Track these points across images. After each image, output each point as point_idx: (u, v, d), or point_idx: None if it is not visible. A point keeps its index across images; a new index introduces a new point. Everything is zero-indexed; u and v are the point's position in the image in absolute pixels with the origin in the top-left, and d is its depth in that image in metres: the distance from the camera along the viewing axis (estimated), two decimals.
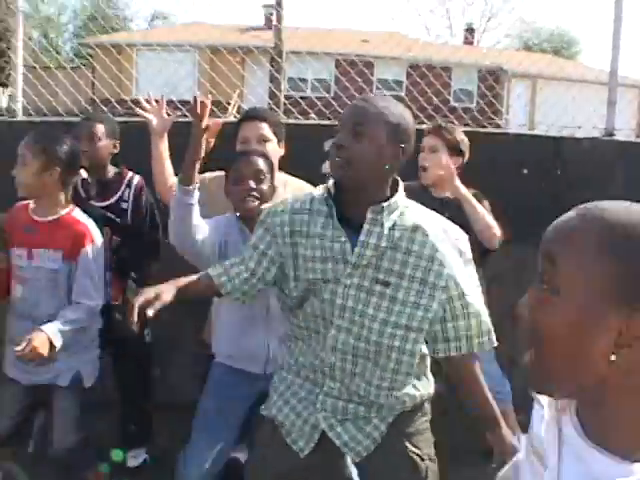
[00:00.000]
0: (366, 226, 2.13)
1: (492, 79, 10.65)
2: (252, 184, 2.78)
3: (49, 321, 2.81)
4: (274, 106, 5.63)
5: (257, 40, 19.48)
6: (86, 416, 3.08)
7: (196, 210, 2.67)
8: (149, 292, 2.16)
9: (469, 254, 2.34)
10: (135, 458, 3.72)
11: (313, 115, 5.19)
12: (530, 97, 21.49)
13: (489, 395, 2.28)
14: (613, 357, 0.96)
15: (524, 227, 3.16)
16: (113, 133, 3.56)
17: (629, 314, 0.95)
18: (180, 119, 3.41)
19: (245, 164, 2.81)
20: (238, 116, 3.44)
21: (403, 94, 15.61)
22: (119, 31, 23.31)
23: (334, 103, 5.10)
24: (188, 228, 2.66)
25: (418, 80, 7.38)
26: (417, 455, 2.29)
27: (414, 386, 2.29)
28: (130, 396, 3.72)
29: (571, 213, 1.06)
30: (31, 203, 3.02)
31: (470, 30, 31.70)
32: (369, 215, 2.13)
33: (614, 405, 1.00)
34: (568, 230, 1.03)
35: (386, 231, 2.13)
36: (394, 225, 2.15)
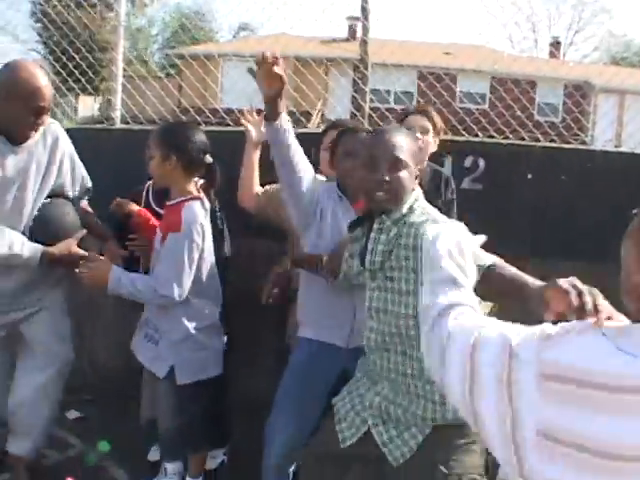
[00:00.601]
0: (372, 234, 2.43)
1: (579, 94, 10.41)
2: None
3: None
4: (360, 117, 5.66)
5: (341, 51, 19.66)
6: (186, 404, 3.12)
7: (293, 148, 2.73)
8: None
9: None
10: (214, 459, 3.69)
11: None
12: (617, 113, 20.97)
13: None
14: None
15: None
16: None
17: None
18: None
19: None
20: (322, 124, 3.53)
21: (487, 107, 15.45)
22: (206, 42, 23.85)
23: None
24: (289, 166, 2.76)
25: (503, 94, 7.31)
26: (443, 473, 2.30)
27: None
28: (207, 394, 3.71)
29: None
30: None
31: (556, 43, 31.19)
32: (375, 226, 2.42)
33: None
34: None
35: (391, 235, 2.38)
36: (397, 229, 2.38)
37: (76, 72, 6.41)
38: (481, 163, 3.83)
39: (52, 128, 3.19)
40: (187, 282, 2.97)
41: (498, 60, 18.59)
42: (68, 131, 3.31)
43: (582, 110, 7.44)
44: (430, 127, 3.51)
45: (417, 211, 2.39)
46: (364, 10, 10.38)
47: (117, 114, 4.95)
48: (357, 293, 2.85)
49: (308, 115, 3.21)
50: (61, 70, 6.73)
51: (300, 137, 2.83)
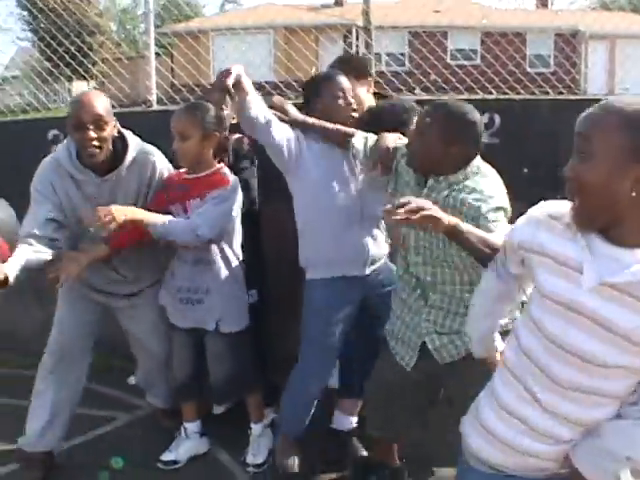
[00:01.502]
0: (425, 190, 2.51)
1: (569, 47, 10.33)
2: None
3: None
4: None
5: (326, 17, 19.50)
6: (235, 351, 3.29)
7: (258, 114, 2.85)
8: None
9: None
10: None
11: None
12: (609, 58, 20.83)
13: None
14: (633, 194, 1.52)
15: None
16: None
17: None
18: None
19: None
20: None
21: (478, 62, 15.38)
22: (192, 18, 23.65)
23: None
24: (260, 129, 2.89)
25: (493, 48, 7.29)
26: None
27: None
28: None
29: (598, 106, 1.58)
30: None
31: None
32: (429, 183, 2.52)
33: (629, 219, 1.55)
34: (598, 117, 1.56)
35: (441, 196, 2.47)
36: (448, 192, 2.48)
37: (67, 57, 6.43)
38: (497, 119, 3.90)
39: (141, 158, 3.15)
40: (222, 230, 3.12)
41: (487, 15, 18.47)
42: None
43: (572, 61, 7.43)
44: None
45: (471, 178, 2.47)
46: None
47: (153, 97, 4.97)
48: (365, 224, 3.01)
49: (301, 82, 3.23)
50: (52, 55, 6.75)
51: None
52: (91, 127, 2.91)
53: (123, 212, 2.88)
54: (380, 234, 3.12)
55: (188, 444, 3.41)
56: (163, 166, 3.23)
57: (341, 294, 3.05)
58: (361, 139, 2.86)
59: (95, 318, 3.36)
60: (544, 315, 1.69)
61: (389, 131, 2.83)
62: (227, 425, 3.47)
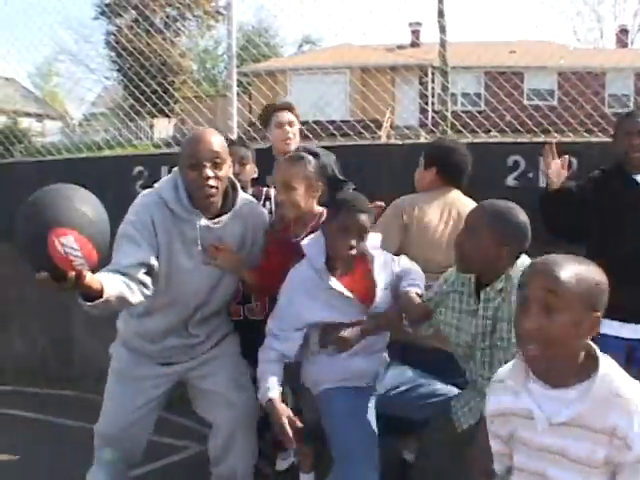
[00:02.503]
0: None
1: None
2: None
3: None
4: (432, 125, 5.68)
5: (405, 58, 19.60)
6: None
7: None
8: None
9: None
10: (284, 461, 3.69)
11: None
12: None
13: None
14: (587, 340, 1.76)
15: None
16: (254, 159, 3.72)
17: (594, 316, 1.74)
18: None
19: None
20: (395, 135, 3.62)
21: (555, 103, 15.19)
22: (270, 58, 24.12)
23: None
24: None
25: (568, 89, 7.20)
26: None
27: None
28: None
29: (554, 265, 1.73)
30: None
31: (623, 32, 30.23)
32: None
33: (567, 361, 1.77)
34: (560, 278, 1.71)
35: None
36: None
37: (151, 94, 6.67)
38: (574, 162, 3.87)
39: (248, 206, 2.98)
40: None
41: (564, 55, 18.22)
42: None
43: None
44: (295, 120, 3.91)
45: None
46: (441, 14, 9.86)
47: (234, 136, 5.08)
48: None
49: (378, 123, 3.27)
50: (136, 93, 7.03)
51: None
52: (208, 165, 2.69)
53: (230, 262, 2.86)
54: None
55: None
56: (267, 218, 3.13)
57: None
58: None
59: (155, 399, 2.99)
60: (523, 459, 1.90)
61: None
62: None
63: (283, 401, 2.77)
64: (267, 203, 3.59)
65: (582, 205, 3.28)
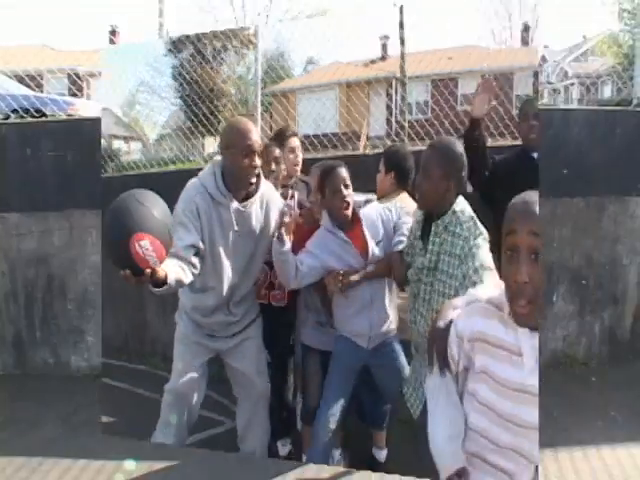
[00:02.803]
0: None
1: None
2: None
3: None
4: (394, 135, 5.29)
5: (375, 71, 18.85)
6: None
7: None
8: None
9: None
10: (284, 447, 3.14)
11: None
12: None
13: None
14: None
15: None
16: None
17: None
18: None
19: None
20: (369, 145, 3.37)
21: None
22: (284, 79, 23.47)
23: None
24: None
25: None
26: None
27: None
28: (273, 390, 2.88)
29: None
30: None
31: (527, 28, 28.63)
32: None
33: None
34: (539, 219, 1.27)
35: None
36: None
37: (203, 119, 6.54)
38: None
39: (267, 192, 2.58)
40: None
41: (484, 57, 17.23)
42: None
43: None
44: None
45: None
46: (401, 25, 9.22)
47: None
48: (375, 305, 2.59)
49: (357, 135, 3.08)
50: (191, 115, 6.92)
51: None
52: (256, 153, 2.37)
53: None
54: None
55: None
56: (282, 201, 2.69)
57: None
58: None
59: (206, 362, 2.71)
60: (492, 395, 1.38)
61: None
62: None
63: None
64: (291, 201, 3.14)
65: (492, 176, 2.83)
